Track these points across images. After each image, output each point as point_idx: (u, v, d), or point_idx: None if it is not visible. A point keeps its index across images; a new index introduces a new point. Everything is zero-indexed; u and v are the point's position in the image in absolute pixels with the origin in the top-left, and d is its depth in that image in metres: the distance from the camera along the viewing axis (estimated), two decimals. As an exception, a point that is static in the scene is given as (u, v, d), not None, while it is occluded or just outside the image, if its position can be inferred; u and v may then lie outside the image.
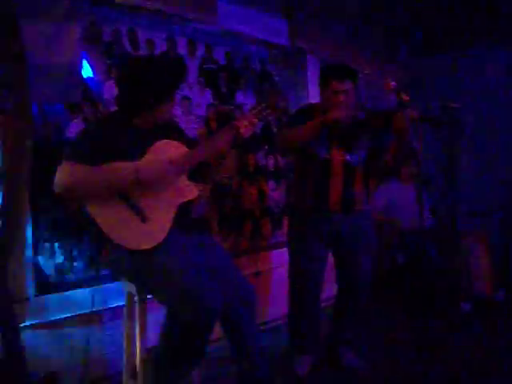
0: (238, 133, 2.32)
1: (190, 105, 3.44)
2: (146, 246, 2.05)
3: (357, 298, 3.09)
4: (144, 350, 2.22)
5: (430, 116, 2.54)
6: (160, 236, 2.08)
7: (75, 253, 2.82)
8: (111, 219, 2.03)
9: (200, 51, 3.55)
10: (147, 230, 2.07)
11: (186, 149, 2.26)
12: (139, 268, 2.08)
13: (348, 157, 2.87)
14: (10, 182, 2.37)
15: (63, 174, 1.96)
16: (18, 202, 2.44)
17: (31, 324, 2.61)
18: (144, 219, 2.08)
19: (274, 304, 3.92)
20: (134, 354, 2.33)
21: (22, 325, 2.53)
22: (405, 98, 2.50)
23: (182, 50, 3.44)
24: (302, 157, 2.95)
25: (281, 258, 3.83)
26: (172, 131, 2.35)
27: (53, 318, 2.70)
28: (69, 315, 2.76)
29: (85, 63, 2.87)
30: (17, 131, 2.38)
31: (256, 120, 2.39)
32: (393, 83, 2.47)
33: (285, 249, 3.25)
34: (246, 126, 2.32)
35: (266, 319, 3.87)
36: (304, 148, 2.87)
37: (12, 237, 2.41)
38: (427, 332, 2.43)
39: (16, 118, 2.37)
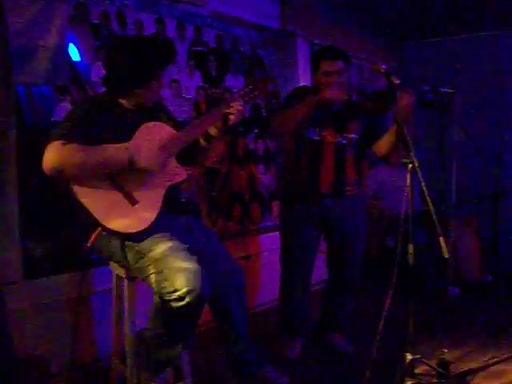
0: (225, 115, 2.30)
1: (179, 87, 3.41)
2: (134, 229, 2.04)
3: (347, 283, 3.11)
4: (133, 332, 2.22)
5: (426, 100, 2.54)
6: (149, 219, 2.07)
7: (63, 236, 2.80)
8: (100, 203, 2.02)
9: (189, 33, 3.51)
10: (136, 213, 2.06)
11: (173, 130, 2.25)
12: (127, 251, 2.08)
13: (340, 139, 2.87)
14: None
15: (52, 153, 1.94)
16: (4, 179, 2.42)
17: (19, 307, 2.59)
18: (133, 202, 2.07)
19: (263, 288, 3.93)
20: (122, 337, 2.33)
21: (10, 308, 2.51)
22: (395, 81, 2.49)
23: (171, 32, 3.39)
24: (294, 139, 2.94)
25: (270, 242, 3.84)
26: (160, 113, 2.33)
27: (41, 302, 2.69)
28: (57, 299, 2.76)
29: (72, 46, 2.83)
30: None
31: (244, 102, 2.37)
32: (383, 66, 2.47)
33: (274, 233, 3.26)
34: (233, 109, 2.30)
35: (255, 303, 3.88)
36: (296, 130, 2.86)
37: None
38: (415, 316, 2.44)
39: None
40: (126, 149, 2.05)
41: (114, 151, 2.04)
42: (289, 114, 2.80)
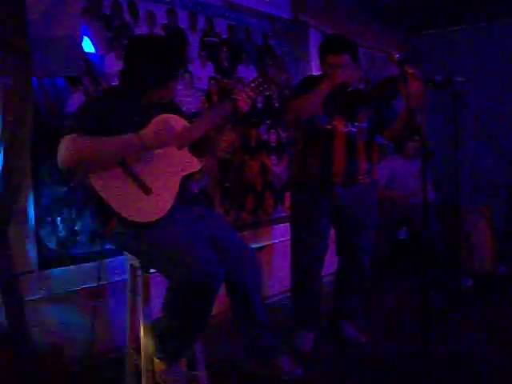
0: (236, 106, 2.32)
1: (192, 78, 3.41)
2: (149, 219, 2.06)
3: (357, 271, 3.10)
4: (147, 322, 2.23)
5: (433, 80, 2.51)
6: (164, 209, 2.09)
7: (78, 227, 2.82)
8: (116, 193, 2.04)
9: (201, 24, 3.50)
10: (151, 203, 2.08)
11: (186, 123, 2.27)
12: (142, 241, 2.09)
13: (350, 127, 2.86)
14: (11, 145, 2.37)
15: (67, 148, 1.94)
16: (19, 167, 2.44)
17: (35, 298, 2.62)
18: (148, 192, 2.08)
19: (276, 279, 3.94)
20: (137, 327, 2.35)
21: (26, 299, 2.54)
22: (409, 70, 2.47)
23: (183, 22, 3.39)
24: (305, 128, 2.94)
25: (283, 232, 3.84)
26: (170, 107, 2.35)
27: (57, 292, 2.72)
28: (73, 289, 2.78)
29: (85, 38, 2.84)
30: (17, 93, 2.37)
31: (253, 94, 2.38)
32: (397, 55, 2.45)
33: (287, 223, 3.25)
34: (244, 100, 2.32)
35: (267, 294, 3.89)
36: (308, 119, 2.86)
37: (12, 202, 2.41)
38: (428, 307, 2.43)
39: (16, 79, 2.35)
40: (138, 134, 2.07)
41: (127, 137, 2.05)
42: (305, 101, 2.77)
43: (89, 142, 1.97)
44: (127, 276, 2.44)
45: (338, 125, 2.86)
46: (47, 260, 2.71)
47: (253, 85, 2.41)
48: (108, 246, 2.84)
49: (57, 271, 2.73)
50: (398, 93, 2.69)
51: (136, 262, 2.24)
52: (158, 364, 2.24)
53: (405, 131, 2.84)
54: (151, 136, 2.08)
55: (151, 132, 2.09)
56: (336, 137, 2.86)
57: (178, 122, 2.25)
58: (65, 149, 1.95)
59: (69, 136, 1.96)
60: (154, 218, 2.06)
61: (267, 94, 3.74)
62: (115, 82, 2.86)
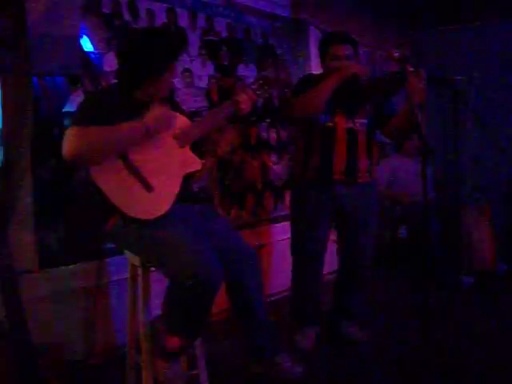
0: (237, 108, 2.32)
1: (192, 77, 3.41)
2: (150, 217, 2.06)
3: (358, 270, 3.10)
4: (147, 321, 2.23)
5: (436, 77, 2.50)
6: (165, 206, 2.09)
7: (78, 226, 2.82)
8: (117, 188, 2.04)
9: (201, 23, 3.50)
10: (152, 200, 2.08)
11: (188, 121, 2.28)
12: (142, 238, 2.09)
13: (352, 123, 2.85)
14: (11, 143, 2.37)
15: (72, 139, 1.94)
16: (19, 164, 2.45)
17: (35, 297, 2.61)
18: (149, 189, 2.08)
19: (276, 277, 3.94)
20: (137, 326, 2.35)
21: (26, 298, 2.53)
22: (409, 68, 2.47)
23: (183, 21, 3.39)
24: (306, 126, 2.93)
25: (282, 231, 3.83)
26: (171, 105, 2.34)
27: (57, 292, 2.71)
28: (72, 288, 2.78)
29: (84, 37, 2.84)
30: (17, 91, 2.37)
31: (255, 95, 2.38)
32: (396, 53, 2.44)
33: (287, 222, 3.25)
34: (245, 102, 2.32)
35: (267, 293, 3.89)
36: (309, 117, 2.85)
37: (12, 199, 2.41)
38: (428, 306, 2.43)
39: (16, 77, 2.35)
40: (140, 121, 2.08)
41: (130, 123, 2.06)
42: (312, 96, 2.74)
43: (94, 130, 1.96)
44: (127, 275, 2.44)
45: (339, 121, 2.85)
46: (47, 259, 2.70)
47: (254, 86, 2.42)
48: (108, 245, 2.84)
49: (57, 270, 2.73)
50: (399, 88, 2.69)
51: (136, 261, 2.24)
52: (159, 363, 2.24)
53: (405, 128, 2.84)
54: (153, 119, 2.09)
55: (153, 116, 2.09)
56: (337, 133, 2.84)
57: (180, 120, 2.25)
58: (69, 141, 1.94)
59: (73, 129, 1.95)
60: (155, 215, 2.06)
61: (268, 95, 3.73)
62: (114, 81, 2.86)
